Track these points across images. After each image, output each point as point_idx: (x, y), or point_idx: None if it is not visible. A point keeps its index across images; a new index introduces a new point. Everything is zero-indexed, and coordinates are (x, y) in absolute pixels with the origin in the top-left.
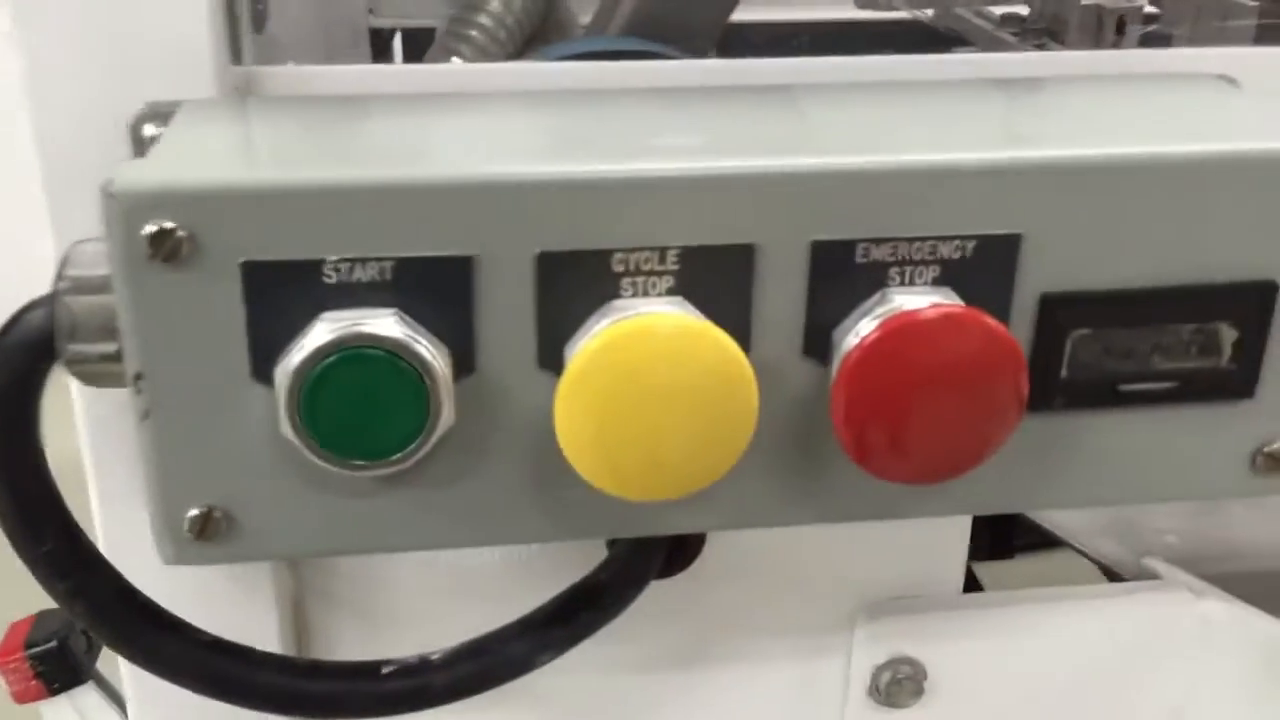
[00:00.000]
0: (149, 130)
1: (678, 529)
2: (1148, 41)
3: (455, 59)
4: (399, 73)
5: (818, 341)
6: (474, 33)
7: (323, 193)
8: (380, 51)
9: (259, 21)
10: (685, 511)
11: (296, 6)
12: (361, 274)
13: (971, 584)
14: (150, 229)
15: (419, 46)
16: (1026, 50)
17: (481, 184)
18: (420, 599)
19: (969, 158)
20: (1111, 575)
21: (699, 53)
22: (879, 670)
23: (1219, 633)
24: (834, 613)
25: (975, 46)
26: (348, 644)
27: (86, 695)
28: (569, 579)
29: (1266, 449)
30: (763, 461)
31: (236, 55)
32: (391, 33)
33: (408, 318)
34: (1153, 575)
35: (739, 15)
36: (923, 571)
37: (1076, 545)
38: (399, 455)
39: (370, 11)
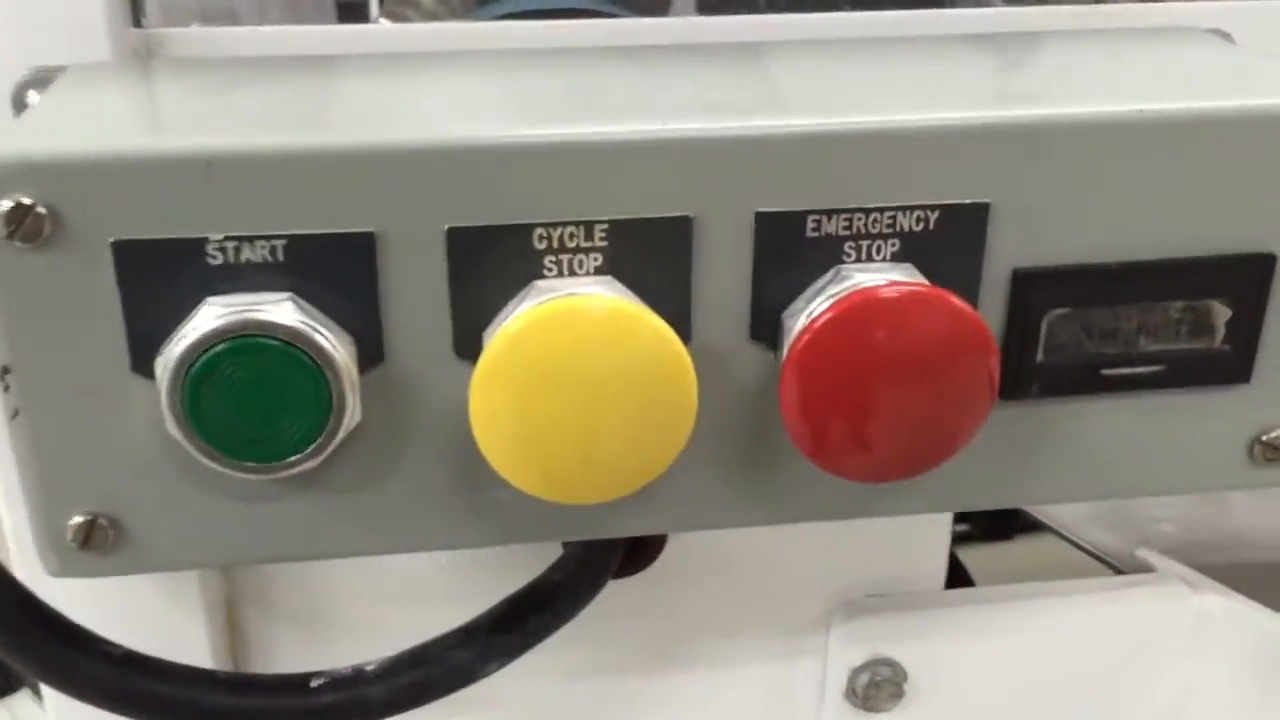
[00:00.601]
0: (33, 98)
1: (615, 532)
2: None
3: (383, 19)
4: (319, 34)
5: (766, 324)
6: None
7: (201, 162)
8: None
9: None
10: (624, 513)
11: None
12: (250, 253)
13: (959, 573)
14: (5, 205)
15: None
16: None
17: (382, 151)
18: (364, 603)
19: (930, 119)
20: (1106, 564)
21: (660, 8)
22: (856, 672)
23: (1215, 628)
24: (808, 612)
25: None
26: (287, 653)
27: (22, 702)
28: (525, 578)
29: (1265, 437)
30: (708, 457)
31: (136, 16)
32: None
33: (304, 302)
34: (1147, 568)
35: None
36: (902, 567)
37: (1068, 535)
38: (298, 456)
39: None
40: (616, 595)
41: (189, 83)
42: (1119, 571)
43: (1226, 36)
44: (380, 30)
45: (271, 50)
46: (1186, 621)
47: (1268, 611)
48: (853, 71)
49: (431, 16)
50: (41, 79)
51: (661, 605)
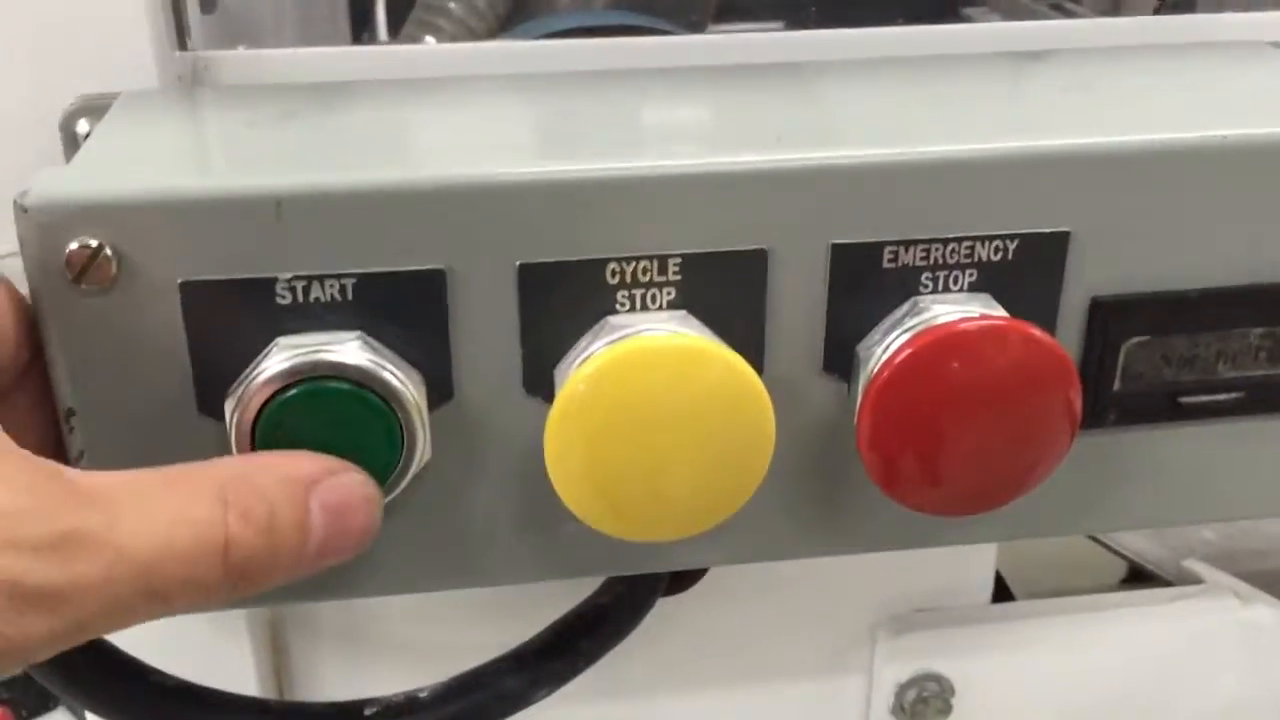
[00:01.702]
0: (83, 126)
1: (684, 565)
2: (1180, 6)
3: (429, 38)
4: (364, 55)
5: (840, 357)
6: (451, 5)
7: (271, 202)
8: (361, 22)
9: (209, 1)
10: (695, 546)
11: None
12: (319, 292)
13: (1000, 589)
14: (73, 247)
15: (402, 16)
16: (1047, 16)
17: (452, 188)
18: (409, 627)
19: (1008, 147)
20: (1152, 574)
21: (694, 26)
22: (904, 688)
23: (1266, 639)
24: (854, 627)
25: (989, 8)
26: (332, 679)
27: None
28: (570, 601)
29: None
30: (780, 490)
31: (182, 39)
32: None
33: (374, 341)
34: (1195, 579)
35: None
36: (948, 581)
37: (1113, 545)
38: None
39: None
40: (661, 613)
41: (245, 113)
42: (1165, 581)
43: None
44: (426, 51)
45: (315, 71)
46: (1236, 634)
47: None
48: (919, 94)
49: (461, 24)
50: (90, 107)
51: (706, 622)
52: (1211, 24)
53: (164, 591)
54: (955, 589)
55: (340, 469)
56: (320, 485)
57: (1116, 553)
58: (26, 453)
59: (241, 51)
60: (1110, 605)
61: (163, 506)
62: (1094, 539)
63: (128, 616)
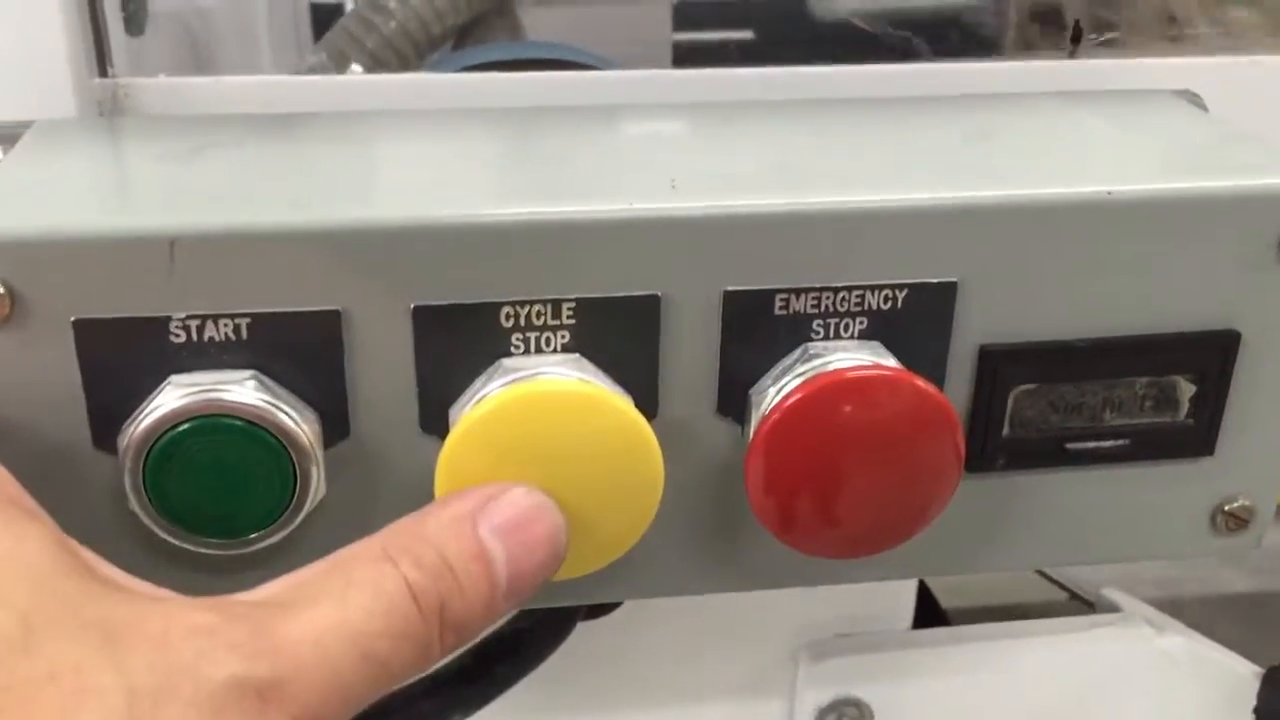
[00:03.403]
0: None
1: (583, 600)
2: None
3: (355, 65)
4: (285, 84)
5: (734, 400)
6: (379, 26)
7: (164, 241)
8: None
9: (135, 24)
10: (592, 583)
11: None
12: (214, 331)
13: (931, 609)
14: None
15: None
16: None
17: (346, 231)
18: None
19: (897, 199)
20: (1074, 595)
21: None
22: (824, 712)
23: (1179, 669)
24: (776, 650)
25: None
26: None
27: None
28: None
29: (1227, 507)
30: (677, 529)
31: (102, 65)
32: (337, 8)
33: (268, 380)
34: (1113, 607)
35: None
36: (870, 607)
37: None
38: (261, 533)
39: None
40: (582, 637)
41: (156, 146)
42: (1087, 603)
43: (1196, 99)
44: (349, 81)
45: (239, 100)
46: (1151, 662)
47: (1230, 653)
48: (819, 141)
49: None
50: (4, 135)
51: (628, 646)
52: (1127, 68)
53: (374, 653)
54: (877, 614)
55: (499, 490)
56: (484, 511)
57: (1047, 576)
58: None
59: (162, 79)
60: (1028, 632)
61: (333, 583)
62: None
63: (352, 692)
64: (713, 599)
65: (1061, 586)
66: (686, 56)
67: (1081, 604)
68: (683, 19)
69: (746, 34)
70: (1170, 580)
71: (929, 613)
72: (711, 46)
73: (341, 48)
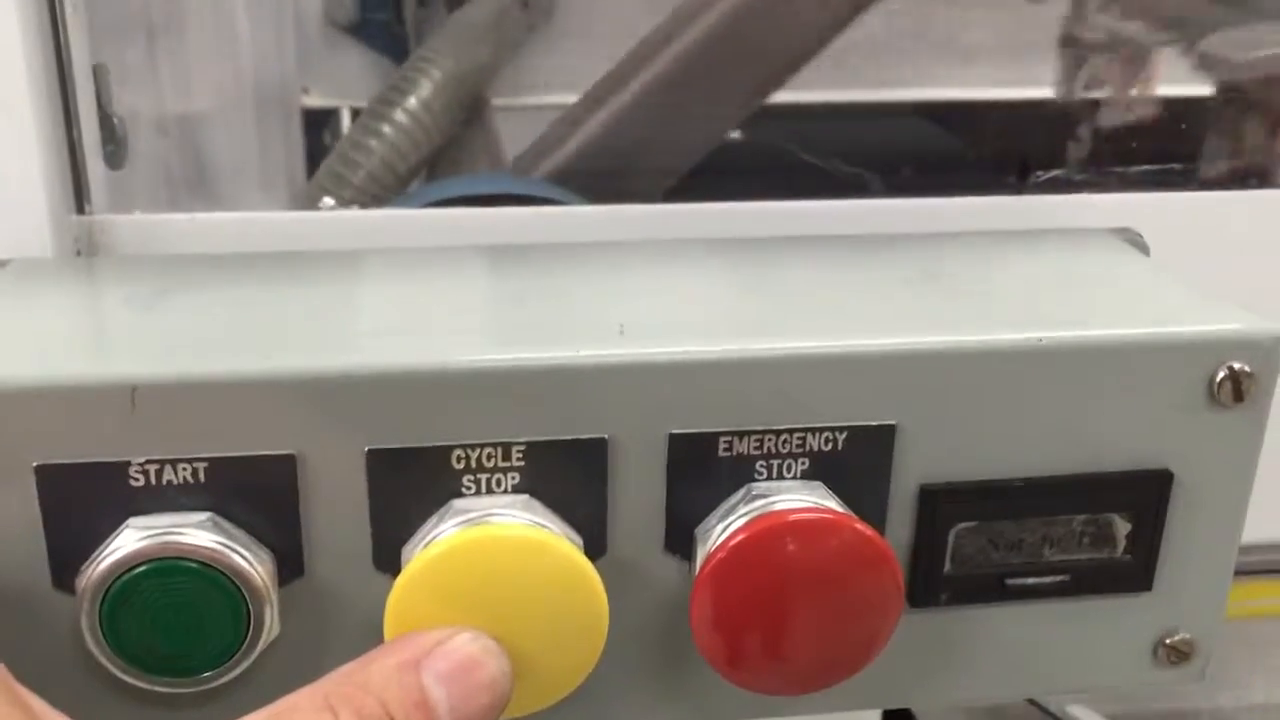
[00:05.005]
0: None
1: None
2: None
3: (327, 200)
4: (258, 220)
5: (681, 538)
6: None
7: (125, 389)
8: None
9: (116, 158)
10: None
11: (217, 75)
12: (172, 475)
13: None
14: None
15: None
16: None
17: (300, 378)
18: None
19: (836, 346)
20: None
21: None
22: None
23: None
24: None
25: None
26: None
27: None
28: None
29: (1168, 640)
30: (628, 664)
31: (80, 202)
32: (326, 114)
33: (224, 521)
34: None
35: None
36: None
37: None
38: (214, 672)
39: (304, 91)
40: None
41: (124, 289)
42: (1054, 718)
43: (1138, 238)
44: (320, 218)
45: (214, 237)
46: None
47: None
48: (766, 283)
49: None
50: None
51: None
52: (1069, 205)
53: None
54: None
55: (445, 636)
56: (429, 658)
57: None
58: None
59: (138, 216)
60: None
61: None
62: None
63: None
64: None
65: (1031, 701)
66: None
67: (1049, 718)
68: None
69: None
70: (1133, 696)
71: (899, 716)
72: None
73: (327, 186)
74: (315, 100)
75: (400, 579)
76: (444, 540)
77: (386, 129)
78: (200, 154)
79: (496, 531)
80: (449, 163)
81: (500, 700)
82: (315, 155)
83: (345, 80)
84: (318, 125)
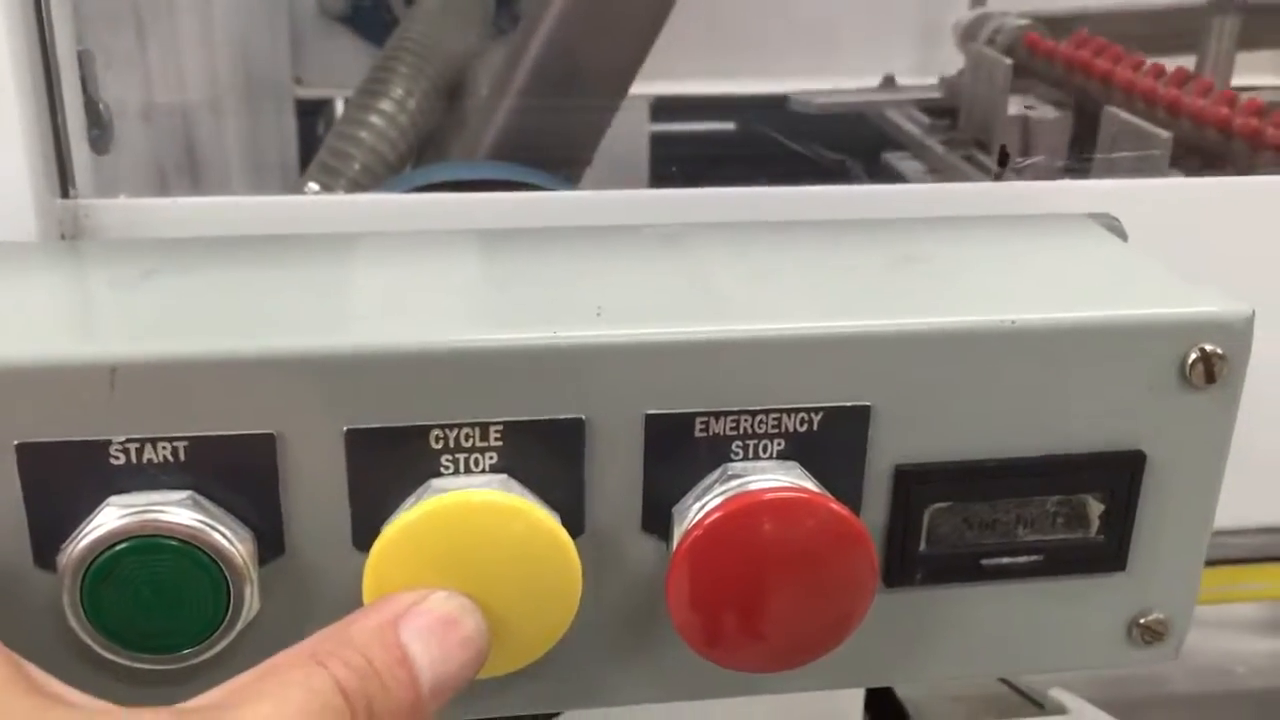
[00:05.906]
0: None
1: (509, 711)
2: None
3: (311, 184)
4: (245, 204)
5: (657, 517)
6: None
7: (105, 369)
8: (311, 123)
9: (101, 143)
10: (521, 692)
11: (209, 65)
12: (152, 454)
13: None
14: None
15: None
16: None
17: (279, 358)
18: None
19: (812, 328)
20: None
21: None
22: None
23: None
24: None
25: (910, 154)
26: None
27: None
28: None
29: (1142, 620)
30: (602, 639)
31: (64, 186)
32: (319, 104)
33: (204, 500)
34: (1060, 708)
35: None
36: (816, 707)
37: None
38: (195, 649)
39: (297, 81)
40: None
41: (109, 271)
42: (1035, 703)
43: (1115, 223)
44: (304, 202)
45: (198, 220)
46: None
47: None
48: (744, 266)
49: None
50: None
51: None
52: (1051, 191)
53: None
54: (825, 716)
55: (421, 596)
56: (406, 616)
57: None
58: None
59: (123, 200)
60: None
61: (268, 685)
62: None
63: None
64: (660, 712)
65: (1010, 686)
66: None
67: (1030, 704)
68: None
69: (728, 125)
70: (1117, 681)
71: (887, 706)
72: (690, 137)
73: (319, 178)
74: (308, 91)
75: (377, 545)
76: (419, 506)
77: (374, 119)
78: (192, 144)
79: (470, 497)
80: (434, 148)
81: (478, 656)
82: (309, 146)
83: (338, 70)
84: (312, 116)
